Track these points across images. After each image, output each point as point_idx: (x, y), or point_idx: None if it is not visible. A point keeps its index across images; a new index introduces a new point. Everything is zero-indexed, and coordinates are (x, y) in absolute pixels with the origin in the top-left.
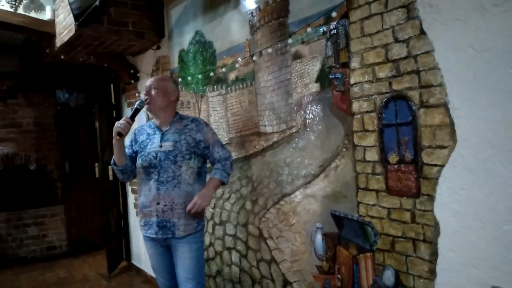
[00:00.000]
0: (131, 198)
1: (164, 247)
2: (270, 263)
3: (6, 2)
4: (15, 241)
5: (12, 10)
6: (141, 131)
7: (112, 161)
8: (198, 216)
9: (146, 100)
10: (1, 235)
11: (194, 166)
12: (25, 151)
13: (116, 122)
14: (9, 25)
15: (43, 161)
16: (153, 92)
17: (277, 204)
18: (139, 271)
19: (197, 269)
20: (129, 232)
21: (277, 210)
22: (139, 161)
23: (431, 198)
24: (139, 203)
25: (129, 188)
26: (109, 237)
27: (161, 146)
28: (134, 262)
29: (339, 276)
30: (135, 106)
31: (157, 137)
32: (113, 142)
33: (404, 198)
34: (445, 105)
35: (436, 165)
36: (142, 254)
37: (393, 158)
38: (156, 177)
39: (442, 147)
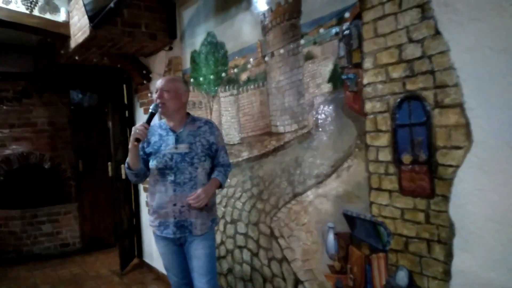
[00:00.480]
0: (143, 196)
1: (177, 245)
2: (282, 262)
3: (22, 3)
4: (29, 238)
5: (27, 11)
6: (152, 132)
7: (126, 165)
8: (211, 213)
9: (159, 103)
10: (16, 232)
11: (207, 167)
12: (40, 150)
13: (133, 128)
14: (24, 27)
15: (57, 160)
16: (165, 95)
17: (289, 204)
18: (150, 268)
19: (211, 265)
20: (141, 229)
21: (288, 209)
22: (153, 163)
23: (446, 199)
24: (153, 203)
25: (141, 187)
26: (121, 235)
27: (176, 148)
28: (146, 259)
29: (351, 275)
30: (150, 110)
31: (171, 139)
32: (130, 146)
33: (418, 198)
34: (460, 106)
35: (451, 166)
36: (154, 252)
37: (406, 158)
38: (173, 178)
39: (458, 147)
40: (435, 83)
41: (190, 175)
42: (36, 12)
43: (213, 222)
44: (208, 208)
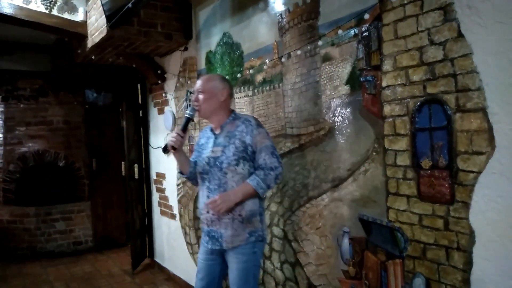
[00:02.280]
0: (155, 196)
1: (209, 254)
2: (295, 265)
3: (42, 3)
4: (43, 235)
5: (46, 11)
6: (203, 133)
7: (178, 169)
8: (249, 225)
9: (195, 106)
10: (30, 229)
11: (244, 172)
12: (55, 148)
13: (168, 136)
14: (44, 26)
15: (71, 158)
16: (200, 97)
17: (303, 207)
18: (162, 269)
19: (243, 281)
20: (153, 230)
21: (302, 212)
22: (197, 167)
23: (466, 205)
24: None
25: (153, 187)
26: (133, 235)
27: (212, 151)
28: (157, 259)
29: (366, 281)
30: (186, 115)
31: (211, 142)
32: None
33: (437, 204)
34: (483, 110)
35: (472, 172)
36: (165, 252)
37: (426, 163)
38: (208, 184)
39: (480, 153)
40: (457, 86)
41: (219, 181)
42: (55, 12)
43: (251, 235)
44: (243, 218)
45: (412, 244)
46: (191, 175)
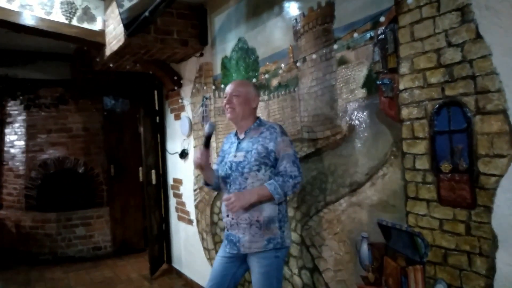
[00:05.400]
0: (172, 202)
1: (233, 258)
2: (313, 271)
3: (62, 14)
4: (64, 240)
5: (67, 22)
6: (228, 139)
7: (203, 181)
8: (267, 231)
9: (227, 108)
10: (51, 235)
11: (264, 178)
12: (74, 155)
13: (193, 156)
14: (64, 36)
15: (90, 164)
16: (235, 100)
17: (321, 212)
18: (179, 274)
19: (266, 286)
20: (170, 235)
21: (320, 217)
22: (220, 170)
23: (488, 209)
24: None
25: (171, 192)
26: (151, 240)
27: (235, 156)
28: (175, 265)
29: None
30: (206, 131)
31: (234, 146)
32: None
33: (458, 208)
34: (504, 112)
35: (494, 175)
36: (183, 258)
37: (445, 166)
38: (229, 188)
39: (501, 156)
40: (476, 88)
41: (240, 186)
42: (74, 22)
43: (270, 242)
44: (261, 224)
45: (433, 250)
46: (216, 186)
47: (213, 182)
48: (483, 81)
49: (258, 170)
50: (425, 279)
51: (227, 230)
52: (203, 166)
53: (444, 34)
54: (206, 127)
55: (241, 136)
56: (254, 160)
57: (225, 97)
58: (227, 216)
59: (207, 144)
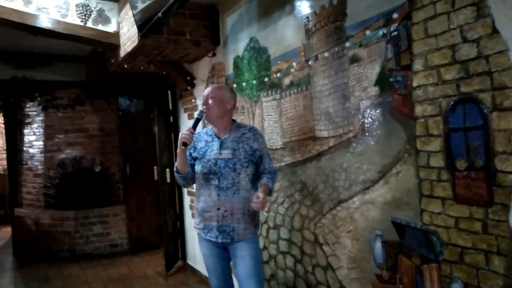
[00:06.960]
0: (186, 199)
1: (220, 248)
2: (326, 269)
3: (77, 16)
4: (82, 238)
5: (82, 24)
6: (199, 138)
7: (175, 169)
8: (254, 219)
9: (204, 109)
10: (70, 232)
11: (250, 173)
12: (91, 154)
13: (180, 133)
14: (80, 38)
15: (106, 163)
16: (210, 101)
17: (334, 210)
18: (194, 271)
19: (258, 267)
20: (185, 232)
21: (333, 215)
22: (199, 168)
23: (505, 207)
24: (198, 207)
25: (185, 191)
26: (166, 237)
27: (220, 154)
28: (189, 262)
29: (400, 286)
30: (196, 116)
31: (215, 144)
32: (178, 151)
33: (474, 207)
34: None
35: (511, 173)
36: (197, 255)
37: (461, 164)
38: (217, 183)
39: None
40: (493, 84)
41: (233, 180)
42: (89, 24)
43: (256, 228)
44: (252, 214)
45: (449, 248)
46: (188, 174)
47: (185, 172)
48: (500, 77)
49: (247, 167)
50: (441, 277)
51: (217, 222)
52: (188, 144)
53: (459, 29)
54: (197, 113)
55: (224, 135)
56: (244, 157)
57: (203, 100)
58: (218, 209)
59: (195, 125)
